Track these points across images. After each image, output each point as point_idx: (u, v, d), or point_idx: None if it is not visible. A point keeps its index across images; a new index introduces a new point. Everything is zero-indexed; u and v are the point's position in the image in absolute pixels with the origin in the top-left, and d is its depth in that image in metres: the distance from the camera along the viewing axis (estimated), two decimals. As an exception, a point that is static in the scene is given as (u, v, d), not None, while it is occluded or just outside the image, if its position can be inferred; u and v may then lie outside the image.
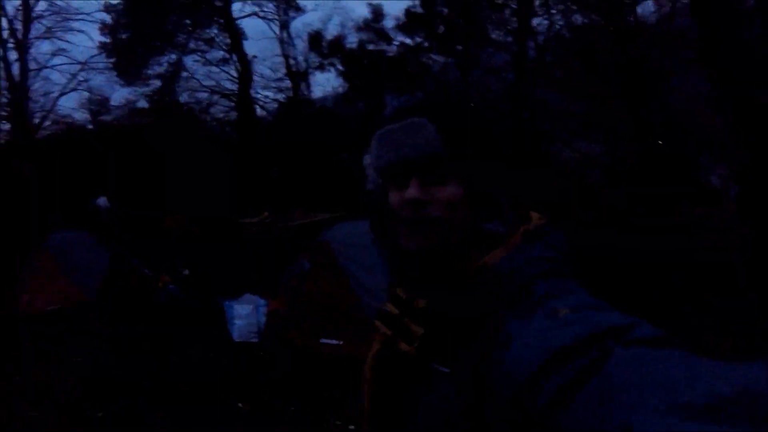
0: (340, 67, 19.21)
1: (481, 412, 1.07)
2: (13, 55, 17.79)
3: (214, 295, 8.96)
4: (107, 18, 19.52)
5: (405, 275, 1.19)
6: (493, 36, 17.94)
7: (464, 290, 1.13)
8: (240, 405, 6.44)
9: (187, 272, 10.44)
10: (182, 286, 9.82)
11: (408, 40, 19.00)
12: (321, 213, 13.02)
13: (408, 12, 18.96)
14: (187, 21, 19.90)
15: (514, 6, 17.96)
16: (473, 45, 17.80)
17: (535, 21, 17.74)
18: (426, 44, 18.76)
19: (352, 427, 5.73)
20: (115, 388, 6.76)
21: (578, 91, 15.51)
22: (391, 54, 18.83)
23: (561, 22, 17.39)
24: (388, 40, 19.24)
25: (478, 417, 1.07)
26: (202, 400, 6.44)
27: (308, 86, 19.97)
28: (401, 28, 19.07)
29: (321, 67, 19.72)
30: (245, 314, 8.04)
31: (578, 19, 17.01)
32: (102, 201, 14.88)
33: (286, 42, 20.02)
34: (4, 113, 17.71)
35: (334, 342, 7.25)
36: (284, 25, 20.15)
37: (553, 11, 17.49)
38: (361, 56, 18.85)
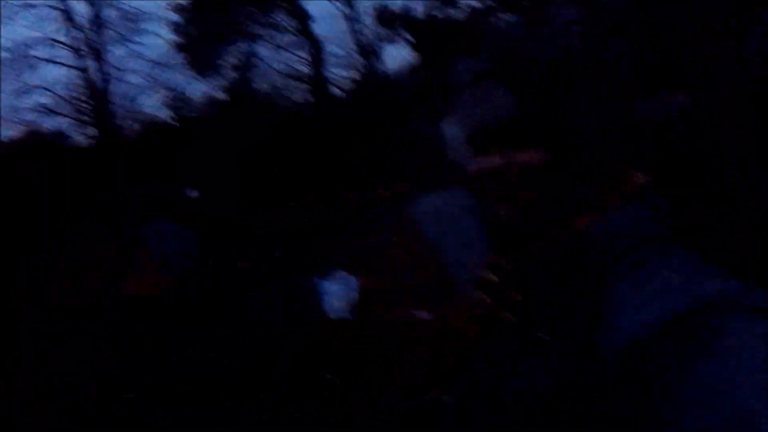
0: (409, 38, 19.16)
1: (584, 379, 1.06)
2: (90, 63, 18.68)
3: (304, 274, 9.13)
4: (176, 17, 20.19)
5: (503, 243, 1.17)
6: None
7: (563, 256, 1.10)
8: (329, 377, 6.60)
9: (278, 253, 10.74)
10: (274, 267, 10.12)
11: (474, 2, 18.75)
12: (401, 186, 13.01)
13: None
14: (253, 9, 20.22)
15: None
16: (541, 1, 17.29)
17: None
18: (492, 4, 18.44)
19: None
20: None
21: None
22: (458, 18, 18.60)
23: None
24: (454, 4, 19.04)
25: (582, 384, 1.05)
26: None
27: (380, 61, 19.99)
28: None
29: (390, 40, 19.75)
30: (337, 291, 8.16)
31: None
32: (190, 191, 15.56)
33: (353, 19, 20.07)
34: (88, 119, 18.67)
35: (425, 314, 7.29)
36: (349, 3, 20.17)
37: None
38: (428, 24, 18.69)
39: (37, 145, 18.03)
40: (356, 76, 19.97)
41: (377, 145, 15.15)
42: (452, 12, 19.11)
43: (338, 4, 20.21)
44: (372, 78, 19.45)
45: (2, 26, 17.74)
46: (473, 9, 18.79)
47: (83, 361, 8.23)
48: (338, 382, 6.55)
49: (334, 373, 6.64)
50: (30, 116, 18.28)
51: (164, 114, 20.03)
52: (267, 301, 9.28)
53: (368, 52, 19.87)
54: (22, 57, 18.06)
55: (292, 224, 13.07)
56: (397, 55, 19.87)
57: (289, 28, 20.35)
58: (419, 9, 19.51)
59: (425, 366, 6.44)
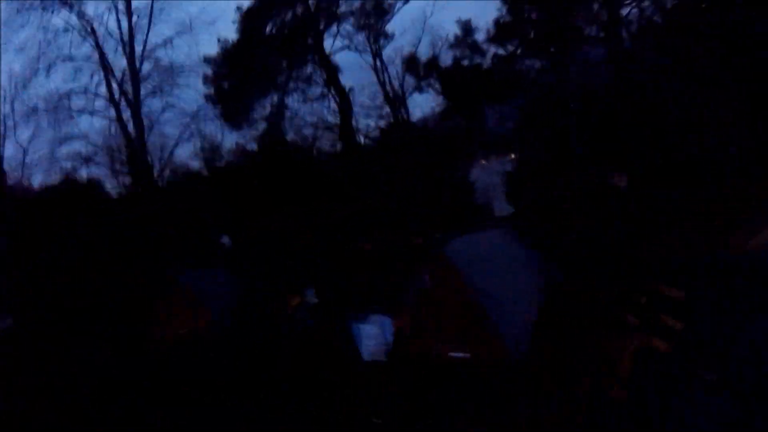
0: (437, 86, 19.44)
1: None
2: (127, 114, 19.24)
3: (342, 318, 9.05)
4: (208, 70, 20.77)
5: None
6: (586, 32, 17.65)
7: (727, 279, 0.98)
8: (375, 420, 6.44)
9: (315, 299, 10.69)
10: (311, 311, 10.06)
11: (501, 50, 18.98)
12: (434, 231, 12.97)
13: (497, 22, 19.03)
14: (284, 62, 20.72)
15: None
16: (566, 44, 17.46)
17: (625, 11, 17.48)
18: (519, 51, 18.65)
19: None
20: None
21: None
22: (486, 66, 18.81)
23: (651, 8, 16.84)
24: (482, 53, 19.30)
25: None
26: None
27: (407, 110, 20.25)
28: (493, 39, 19.09)
29: (418, 89, 20.05)
30: (373, 334, 8.05)
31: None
32: (225, 239, 15.70)
33: (380, 70, 20.44)
34: (124, 168, 19.12)
35: (462, 353, 7.14)
36: (376, 54, 20.57)
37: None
38: (456, 72, 18.92)
39: (74, 191, 18.37)
40: (385, 125, 20.18)
41: (410, 191, 15.18)
42: (480, 59, 19.35)
43: (366, 55, 20.59)
44: (401, 126, 19.63)
45: (42, 78, 18.38)
46: (501, 55, 19.02)
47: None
48: (380, 422, 6.38)
49: (377, 416, 6.48)
50: (67, 164, 18.71)
51: (197, 163, 20.38)
52: (304, 343, 9.19)
53: (396, 101, 20.13)
54: (60, 107, 18.61)
55: (327, 268, 13.05)
56: (425, 104, 20.10)
57: (319, 80, 20.74)
58: (447, 57, 19.80)
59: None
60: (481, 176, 13.93)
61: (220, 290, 12.54)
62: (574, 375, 5.83)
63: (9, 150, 18.64)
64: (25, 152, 18.51)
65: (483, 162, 14.28)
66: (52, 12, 18.96)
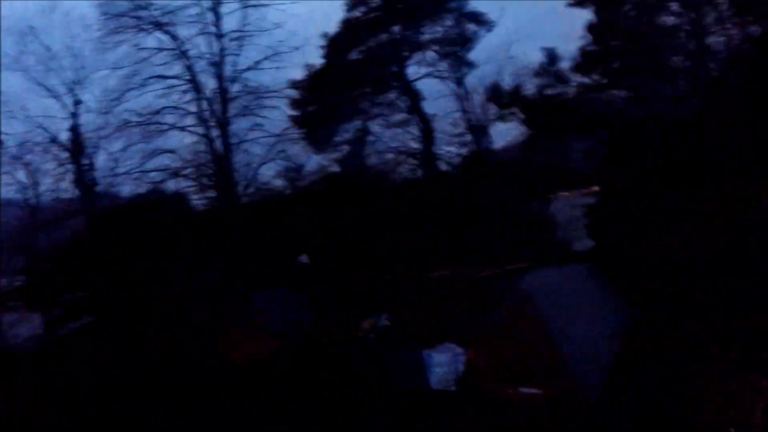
0: (520, 116, 19.23)
1: None
2: (215, 132, 20.03)
3: (413, 345, 9.00)
4: (294, 94, 21.41)
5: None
6: (671, 62, 17.11)
7: None
8: None
9: (387, 323, 10.68)
10: (382, 337, 10.05)
11: (586, 79, 18.62)
12: (512, 263, 12.75)
13: (583, 51, 18.74)
14: (368, 89, 21.09)
15: (688, 28, 17.03)
16: (652, 75, 16.95)
17: (711, 39, 16.81)
18: (605, 81, 18.24)
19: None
20: None
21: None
22: (570, 96, 18.49)
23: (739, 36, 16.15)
24: (566, 82, 19.03)
25: None
26: None
27: (489, 139, 20.12)
28: (578, 68, 18.77)
29: (501, 118, 19.94)
30: (444, 362, 7.99)
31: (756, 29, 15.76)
32: (303, 258, 15.95)
33: (463, 97, 20.44)
34: (209, 183, 19.89)
35: (534, 391, 6.98)
36: (459, 81, 20.60)
37: (728, 26, 16.37)
38: (539, 102, 18.69)
39: (161, 203, 19.15)
40: (466, 153, 20.07)
41: (490, 222, 15.01)
42: (563, 89, 19.02)
43: (449, 83, 20.62)
44: (482, 155, 19.48)
45: (135, 94, 19.38)
46: (584, 85, 18.63)
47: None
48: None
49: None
50: (156, 176, 19.54)
51: (280, 184, 20.85)
52: (375, 369, 9.18)
53: (478, 129, 20.02)
54: (152, 122, 19.54)
55: (402, 296, 13.03)
56: (508, 133, 19.87)
57: (402, 107, 20.90)
58: (530, 86, 19.57)
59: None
60: (561, 209, 13.67)
61: (292, 313, 12.73)
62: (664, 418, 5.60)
63: (100, 161, 19.63)
64: (116, 163, 19.44)
65: (564, 194, 14.01)
66: (147, 33, 20.01)
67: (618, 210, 12.31)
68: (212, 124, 19.86)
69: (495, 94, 19.86)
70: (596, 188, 14.11)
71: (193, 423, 7.13)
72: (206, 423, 7.17)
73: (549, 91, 19.10)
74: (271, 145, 20.24)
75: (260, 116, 20.37)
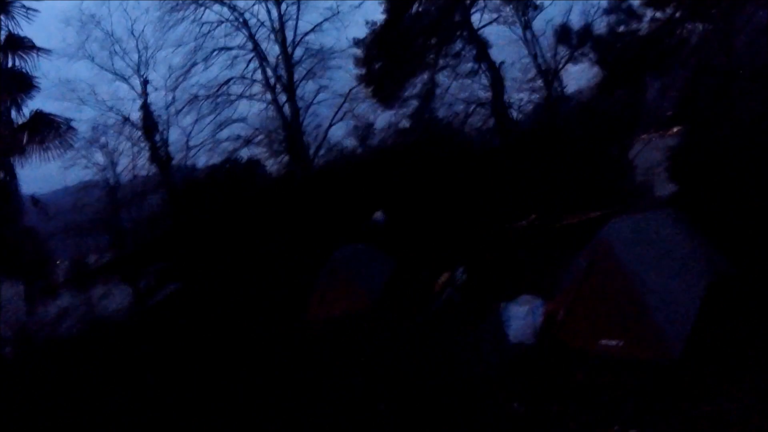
0: (591, 56, 18.46)
1: None
2: (282, 98, 20.29)
3: (490, 298, 8.91)
4: (359, 52, 21.26)
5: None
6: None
7: None
8: (515, 405, 6.31)
9: (465, 276, 10.62)
10: (460, 290, 10.01)
11: (659, 14, 17.56)
12: (591, 211, 12.36)
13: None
14: (432, 40, 20.67)
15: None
16: (731, 7, 15.69)
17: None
18: (679, 14, 17.13)
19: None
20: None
21: None
22: (644, 33, 17.51)
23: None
24: (639, 18, 18.04)
25: None
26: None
27: (561, 82, 19.46)
28: (650, 2, 17.71)
29: (572, 60, 19.21)
30: (521, 315, 7.86)
31: None
32: (379, 216, 16.04)
33: (531, 42, 19.80)
34: (280, 148, 20.24)
35: (615, 343, 6.77)
36: (526, 26, 19.93)
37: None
38: (612, 41, 17.81)
39: (235, 171, 19.66)
40: (538, 99, 19.51)
41: (567, 169, 14.58)
42: (637, 26, 18.01)
43: (516, 28, 19.99)
44: (555, 101, 18.88)
45: (201, 68, 19.78)
46: (660, 21, 17.54)
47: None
48: (522, 410, 6.23)
49: (519, 402, 6.34)
50: (228, 146, 20.05)
51: (351, 143, 20.98)
52: (454, 325, 9.16)
53: (549, 74, 19.37)
54: (220, 94, 19.96)
55: (479, 246, 12.93)
56: (581, 76, 19.11)
57: (469, 56, 20.44)
58: (601, 25, 18.64)
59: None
60: (642, 153, 13.09)
61: (373, 268, 12.85)
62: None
63: (173, 135, 20.24)
64: (188, 137, 20.01)
65: (644, 137, 13.39)
66: (205, 8, 20.26)
67: (705, 151, 11.66)
68: (279, 90, 20.19)
69: (564, 35, 19.12)
70: (679, 128, 13.42)
71: (279, 385, 7.30)
72: (292, 385, 7.33)
73: (622, 29, 18.17)
74: (338, 106, 20.41)
75: (326, 78, 20.62)
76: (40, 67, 12.34)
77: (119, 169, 19.88)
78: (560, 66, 19.27)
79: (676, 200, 11.41)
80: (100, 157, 19.75)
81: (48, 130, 12.29)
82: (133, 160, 19.84)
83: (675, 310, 6.50)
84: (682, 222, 7.93)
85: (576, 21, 19.08)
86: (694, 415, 5.26)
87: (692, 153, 12.01)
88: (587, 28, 18.84)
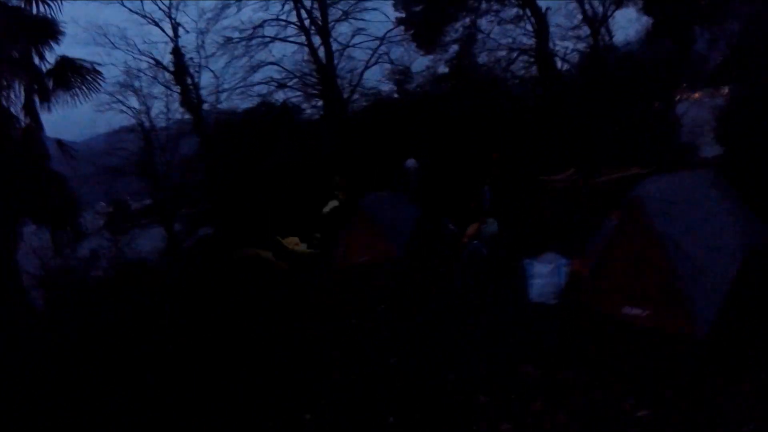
0: (640, 4, 17.45)
1: None
2: (317, 41, 19.83)
3: (518, 253, 8.68)
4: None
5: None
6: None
7: None
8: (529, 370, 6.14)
9: (495, 229, 10.44)
10: (488, 242, 9.82)
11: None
12: (631, 168, 11.91)
13: None
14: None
15: None
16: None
17: None
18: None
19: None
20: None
21: None
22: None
23: None
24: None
25: None
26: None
27: (609, 30, 18.56)
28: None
29: (620, 6, 18.20)
30: (545, 273, 7.58)
31: None
32: (411, 163, 15.82)
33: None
34: (316, 91, 19.87)
35: (639, 311, 6.49)
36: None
37: None
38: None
39: (270, 114, 19.50)
40: (584, 47, 18.71)
41: (609, 124, 14.05)
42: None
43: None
44: (601, 49, 18.08)
45: (235, 10, 19.36)
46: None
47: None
48: (536, 374, 6.10)
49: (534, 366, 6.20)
50: (263, 89, 19.82)
51: (388, 88, 20.54)
52: (479, 277, 8.95)
53: (596, 21, 18.49)
54: (254, 36, 19.63)
55: (512, 198, 12.70)
56: (628, 23, 18.16)
57: (512, 1, 19.63)
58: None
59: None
60: (688, 110, 12.48)
61: (401, 216, 12.75)
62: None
63: (204, 80, 20.04)
64: (220, 80, 19.81)
65: (692, 94, 12.75)
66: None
67: (752, 112, 11.00)
68: (313, 32, 19.75)
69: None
70: (726, 87, 12.72)
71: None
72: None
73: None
74: (374, 49, 19.93)
75: (361, 20, 20.07)
76: (68, 13, 12.15)
77: (153, 113, 19.95)
78: (608, 13, 18.36)
79: (719, 162, 10.90)
80: (134, 101, 19.80)
81: (74, 75, 12.28)
82: (166, 105, 19.82)
83: (707, 282, 6.17)
84: (722, 184, 7.52)
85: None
86: (710, 397, 5.06)
87: (739, 113, 11.38)
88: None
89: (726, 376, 5.26)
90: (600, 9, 18.45)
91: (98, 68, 12.71)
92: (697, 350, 5.72)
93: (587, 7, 18.53)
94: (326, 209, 14.12)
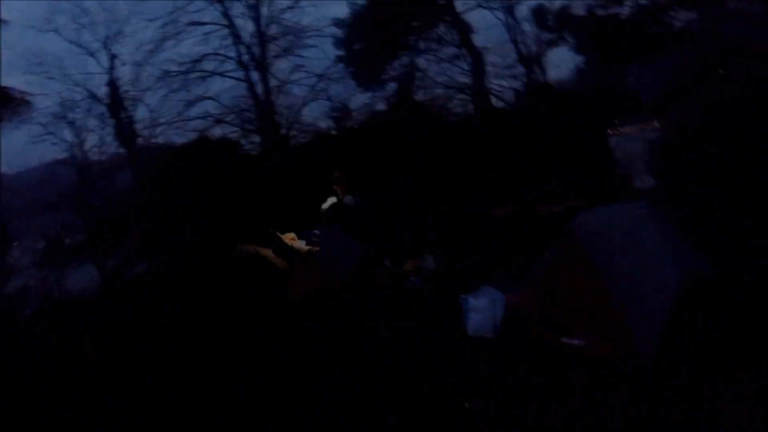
0: (572, 42, 18.09)
1: None
2: (255, 76, 19.68)
3: (456, 289, 8.53)
4: (338, 32, 20.68)
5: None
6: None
7: None
8: (467, 405, 5.96)
9: (433, 265, 10.30)
10: (425, 279, 9.68)
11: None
12: (568, 200, 11.97)
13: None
14: (415, 23, 20.20)
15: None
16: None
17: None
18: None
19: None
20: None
21: None
22: (625, 16, 17.17)
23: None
24: (620, 1, 17.67)
25: None
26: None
27: (542, 68, 19.09)
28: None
29: (553, 44, 18.82)
30: (481, 307, 7.47)
31: None
32: (349, 199, 15.64)
33: (512, 27, 19.43)
34: (253, 127, 19.65)
35: (576, 342, 6.43)
36: (509, 10, 19.54)
37: None
38: (593, 27, 17.43)
39: (207, 150, 19.15)
40: (519, 86, 19.16)
41: (544, 157, 14.24)
42: (620, 10, 17.59)
43: (498, 13, 19.61)
44: (536, 87, 18.53)
45: (173, 43, 19.13)
46: (643, 6, 17.14)
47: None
48: (477, 409, 5.85)
49: (472, 400, 5.95)
50: (199, 124, 19.48)
51: (326, 124, 20.47)
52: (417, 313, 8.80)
53: (531, 59, 19.00)
54: (191, 71, 19.35)
55: (451, 233, 12.65)
56: (562, 63, 18.73)
57: (451, 41, 20.06)
58: (580, 8, 18.21)
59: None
60: (621, 144, 12.69)
61: (340, 251, 12.56)
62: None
63: (141, 113, 19.58)
64: (155, 114, 19.38)
65: (624, 128, 12.99)
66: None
67: (687, 144, 11.27)
68: (252, 67, 19.66)
69: (543, 18, 18.78)
70: (660, 121, 13.02)
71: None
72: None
73: (602, 12, 17.76)
74: (313, 86, 19.92)
75: (301, 56, 20.10)
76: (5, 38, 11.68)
77: (87, 146, 19.28)
78: (542, 51, 18.92)
79: (654, 194, 11.06)
80: (67, 134, 19.13)
81: (3, 104, 11.77)
82: (100, 138, 19.24)
83: (645, 308, 6.16)
84: (656, 216, 7.55)
85: (558, 4, 18.73)
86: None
87: (671, 146, 11.66)
88: (566, 12, 18.49)
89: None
90: (534, 48, 19.00)
91: (31, 98, 12.19)
92: (643, 372, 5.65)
93: (521, 47, 19.08)
94: (325, 206, 13.93)
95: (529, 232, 11.10)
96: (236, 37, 19.71)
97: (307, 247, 13.39)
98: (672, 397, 5.14)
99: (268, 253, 12.82)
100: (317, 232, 13.57)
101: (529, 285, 7.49)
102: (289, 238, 13.51)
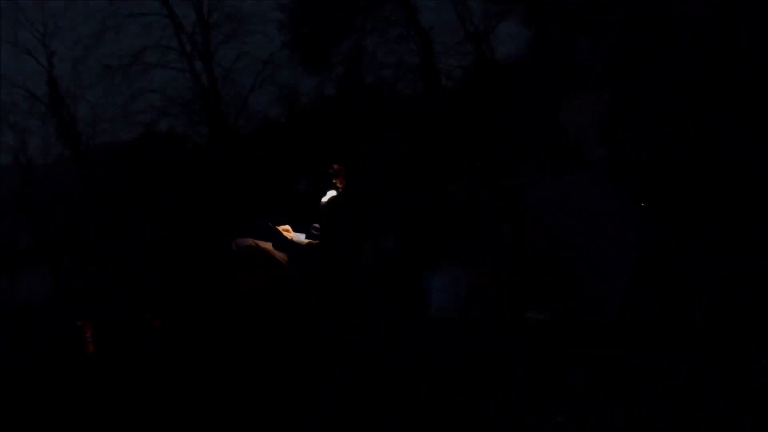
0: (521, 17, 18.12)
1: None
2: (198, 65, 19.21)
3: (414, 268, 8.48)
4: (282, 16, 20.27)
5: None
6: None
7: None
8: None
9: (392, 246, 10.21)
10: (382, 260, 9.59)
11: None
12: (523, 175, 12.05)
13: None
14: (361, 3, 19.99)
15: None
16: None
17: None
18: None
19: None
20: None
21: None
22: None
23: None
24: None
25: None
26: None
27: (490, 45, 19.11)
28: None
29: (501, 18, 18.80)
30: (442, 287, 7.43)
31: None
32: (302, 182, 15.40)
33: (461, 4, 19.35)
34: (198, 118, 19.26)
35: (540, 316, 6.44)
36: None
37: None
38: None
39: (153, 144, 18.73)
40: (467, 63, 19.14)
41: (494, 133, 14.30)
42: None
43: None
44: (485, 64, 18.55)
45: (114, 36, 18.62)
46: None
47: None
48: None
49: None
50: (145, 117, 19.00)
51: (275, 111, 20.20)
52: (374, 297, 8.73)
53: (479, 37, 18.99)
54: (134, 63, 18.83)
55: (405, 216, 12.56)
56: (510, 38, 18.79)
57: (398, 21, 19.91)
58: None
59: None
60: (572, 116, 12.77)
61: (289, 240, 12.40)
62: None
63: (81, 110, 19.00)
64: (97, 110, 18.83)
65: (575, 100, 13.06)
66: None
67: (634, 114, 11.38)
68: (196, 57, 19.22)
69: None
70: (610, 90, 13.14)
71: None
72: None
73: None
74: (259, 72, 19.61)
75: (246, 43, 19.75)
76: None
77: (31, 148, 18.68)
78: (490, 28, 18.92)
79: (605, 163, 11.18)
80: (10, 137, 18.47)
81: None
82: (44, 139, 18.64)
83: (605, 278, 6.17)
84: (608, 184, 7.60)
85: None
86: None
87: (620, 115, 11.78)
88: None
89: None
90: (482, 25, 18.97)
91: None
92: (604, 339, 5.69)
93: (468, 24, 19.02)
94: (325, 199, 13.67)
95: (487, 208, 11.13)
96: (178, 27, 19.20)
97: (306, 241, 13.14)
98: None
99: (268, 246, 12.52)
100: (317, 225, 13.37)
101: (489, 261, 7.44)
102: (284, 230, 13.23)
